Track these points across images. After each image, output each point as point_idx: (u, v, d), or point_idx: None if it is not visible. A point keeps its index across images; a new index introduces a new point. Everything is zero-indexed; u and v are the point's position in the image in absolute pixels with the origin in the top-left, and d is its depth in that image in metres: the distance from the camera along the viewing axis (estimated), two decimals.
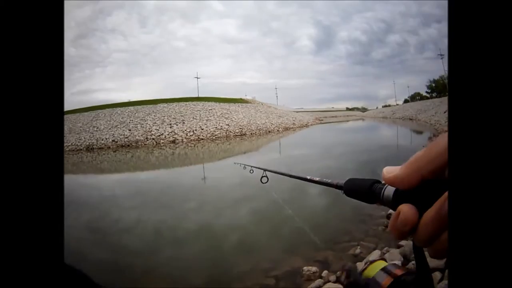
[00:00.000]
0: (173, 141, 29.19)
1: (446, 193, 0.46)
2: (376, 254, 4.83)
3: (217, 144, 27.49)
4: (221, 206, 8.94)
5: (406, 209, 0.51)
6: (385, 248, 5.05)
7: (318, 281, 4.35)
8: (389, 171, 0.55)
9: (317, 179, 0.86)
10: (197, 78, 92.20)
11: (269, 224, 7.14)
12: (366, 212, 7.14)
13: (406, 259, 4.54)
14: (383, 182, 0.59)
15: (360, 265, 4.44)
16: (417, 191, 0.52)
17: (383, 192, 0.58)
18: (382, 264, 0.74)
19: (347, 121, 70.06)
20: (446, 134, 0.50)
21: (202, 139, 30.85)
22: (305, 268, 4.68)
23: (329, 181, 0.80)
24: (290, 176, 1.04)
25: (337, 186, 0.76)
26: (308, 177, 0.88)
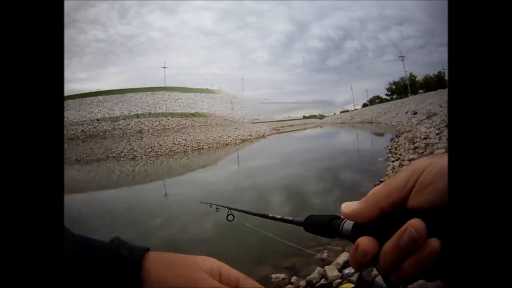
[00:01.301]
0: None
1: (406, 224, 0.49)
2: (344, 256, 4.92)
3: (176, 160, 27.29)
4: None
5: (365, 241, 0.54)
6: None
7: (289, 287, 4.46)
8: (348, 206, 0.60)
9: (279, 216, 0.90)
10: (165, 67, 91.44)
11: (234, 235, 7.19)
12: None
13: None
14: (342, 217, 0.62)
15: (328, 269, 4.61)
16: (376, 223, 0.56)
17: (342, 227, 0.60)
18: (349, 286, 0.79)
19: (305, 129, 70.43)
20: (406, 168, 0.58)
21: (159, 155, 30.71)
22: (273, 275, 4.77)
23: (290, 218, 0.83)
24: (254, 214, 1.06)
25: (297, 223, 0.77)
26: (270, 215, 0.93)
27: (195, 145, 35.48)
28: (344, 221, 0.61)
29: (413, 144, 14.74)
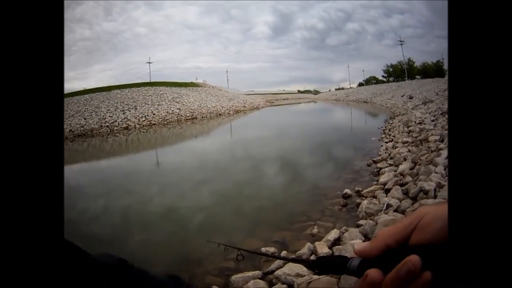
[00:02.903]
0: (126, 128, 28.82)
1: (405, 259, 0.59)
2: (334, 233, 4.93)
3: (169, 129, 27.30)
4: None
5: (373, 272, 0.64)
6: (344, 228, 5.20)
7: (278, 262, 4.36)
8: (359, 245, 0.70)
9: (292, 257, 0.87)
10: (149, 63, 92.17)
11: (227, 205, 7.36)
12: (321, 193, 7.42)
13: (368, 239, 4.65)
14: (350, 257, 0.70)
15: (319, 245, 4.63)
16: (382, 257, 0.65)
17: (349, 264, 0.69)
18: None
19: (299, 103, 69.99)
20: (411, 213, 0.68)
21: (154, 124, 30.58)
22: (263, 249, 4.78)
23: (301, 259, 0.86)
24: (262, 254, 0.92)
25: (309, 263, 0.83)
26: (282, 256, 0.85)
27: (188, 115, 35.65)
28: (351, 259, 0.69)
29: (408, 128, 14.82)
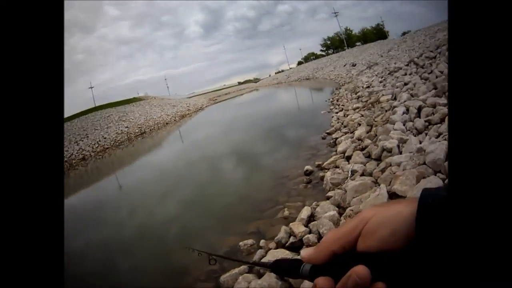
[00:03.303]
0: (83, 158, 28.24)
1: (350, 271, 0.60)
2: (306, 210, 4.97)
3: (122, 149, 27.08)
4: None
5: (321, 281, 0.65)
6: (314, 203, 5.24)
7: (260, 252, 4.46)
8: (305, 251, 0.72)
9: (252, 261, 0.99)
10: (91, 87, 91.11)
11: (195, 210, 7.38)
12: (283, 175, 7.48)
13: (341, 208, 4.79)
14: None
15: (294, 226, 4.66)
16: (330, 264, 0.67)
17: (302, 269, 0.71)
18: None
19: (241, 94, 70.34)
20: (355, 217, 0.69)
21: (107, 148, 30.17)
22: (241, 243, 4.80)
23: (259, 262, 0.95)
24: (231, 259, 1.24)
25: (266, 266, 0.85)
26: (244, 260, 1.00)
27: (137, 131, 35.43)
28: (303, 265, 0.72)
29: (356, 94, 15.06)
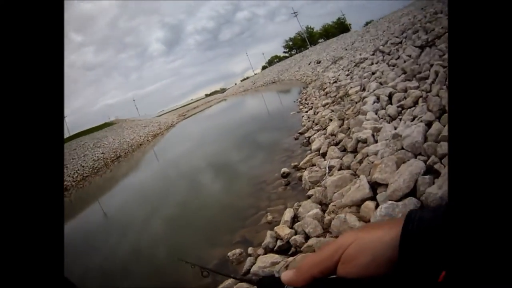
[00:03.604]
0: (66, 189, 27.89)
1: None
2: (288, 212, 4.99)
3: (101, 176, 26.88)
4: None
5: None
6: (296, 204, 5.26)
7: (250, 259, 4.48)
8: (286, 274, 0.74)
9: (238, 277, 0.99)
10: (64, 117, 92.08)
11: (180, 228, 7.39)
12: (260, 181, 7.53)
13: (324, 205, 4.80)
14: None
15: (279, 229, 4.68)
16: (312, 286, 0.68)
17: None
18: None
19: (210, 106, 70.75)
20: (335, 241, 0.69)
21: (86, 176, 29.95)
22: (229, 253, 4.81)
23: (246, 278, 0.97)
24: (220, 273, 1.09)
25: (253, 282, 0.85)
26: (232, 275, 1.03)
27: (113, 155, 35.42)
28: (286, 286, 0.73)
29: (324, 90, 15.18)
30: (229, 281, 4.17)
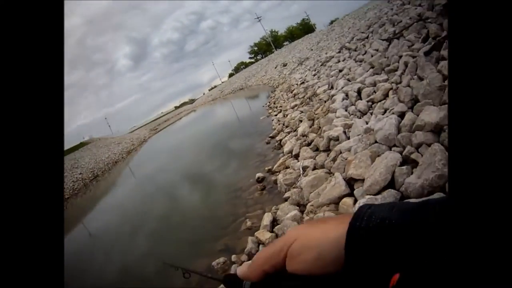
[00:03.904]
0: None
1: None
2: (267, 216, 5.02)
3: (81, 196, 26.73)
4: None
5: None
6: (274, 208, 5.31)
7: (234, 267, 4.49)
8: (240, 269, 0.76)
9: (210, 275, 0.98)
10: None
11: (163, 242, 7.42)
12: (236, 188, 7.57)
13: (302, 206, 4.82)
14: None
15: (260, 234, 4.72)
16: (265, 283, 0.70)
17: (244, 285, 0.75)
18: None
19: (180, 118, 70.96)
20: (281, 237, 0.68)
21: (67, 198, 29.75)
22: (214, 263, 4.81)
23: (209, 275, 0.95)
24: (198, 273, 1.06)
25: (219, 279, 0.86)
26: (204, 273, 1.03)
27: (90, 175, 35.23)
28: (244, 282, 0.74)
29: (292, 92, 15.31)
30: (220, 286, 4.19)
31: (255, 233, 4.83)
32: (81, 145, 62.14)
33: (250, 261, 0.74)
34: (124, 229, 10.30)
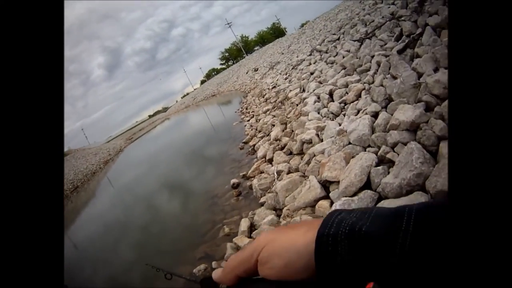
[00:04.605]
0: None
1: None
2: (244, 222, 5.03)
3: (64, 209, 26.48)
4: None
5: None
6: (250, 213, 5.34)
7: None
8: (215, 273, 0.76)
9: (188, 277, 0.97)
10: None
11: (144, 250, 7.45)
12: (212, 195, 7.57)
13: (278, 210, 4.85)
14: None
15: (238, 240, 4.74)
16: (241, 286, 0.70)
17: None
18: None
19: (154, 127, 71.12)
20: (252, 243, 0.69)
21: None
22: (195, 270, 4.81)
23: (188, 277, 0.94)
24: (177, 275, 1.04)
25: (196, 282, 0.86)
26: (183, 276, 0.99)
27: (70, 187, 34.55)
28: (220, 285, 0.75)
29: (263, 97, 15.37)
30: None
31: (233, 239, 4.83)
32: None
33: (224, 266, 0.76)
34: (107, 241, 10.24)
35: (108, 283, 6.96)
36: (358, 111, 5.09)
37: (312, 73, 10.14)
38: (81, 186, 32.67)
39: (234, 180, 7.20)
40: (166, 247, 6.77)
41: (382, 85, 4.89)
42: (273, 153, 6.77)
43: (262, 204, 5.33)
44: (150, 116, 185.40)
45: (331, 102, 6.42)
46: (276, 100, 11.71)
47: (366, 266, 0.49)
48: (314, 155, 4.98)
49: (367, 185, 3.45)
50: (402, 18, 6.91)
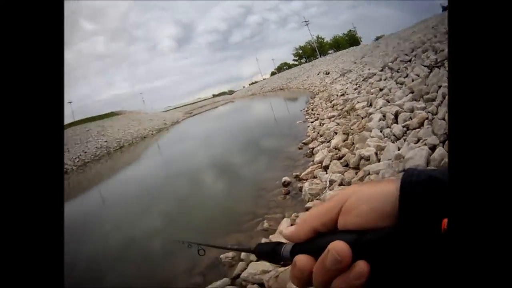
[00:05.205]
0: (66, 172, 28.02)
1: (328, 246, 0.57)
2: (285, 222, 4.98)
3: (102, 164, 27.21)
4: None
5: (301, 258, 0.62)
6: (293, 215, 5.24)
7: (241, 264, 4.49)
8: (287, 229, 0.68)
9: (235, 246, 0.94)
10: (70, 102, 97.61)
11: (177, 224, 7.46)
12: (261, 187, 7.51)
13: None
14: (285, 242, 0.69)
15: (274, 238, 4.64)
16: (311, 242, 0.64)
17: (282, 251, 0.67)
18: None
19: (216, 107, 70.87)
20: (335, 194, 0.66)
21: (87, 162, 30.05)
22: (222, 256, 4.81)
23: (242, 247, 0.91)
24: (214, 246, 1.03)
25: (249, 250, 0.80)
26: (229, 246, 0.94)
27: (116, 145, 35.84)
28: (284, 246, 0.68)
29: (331, 102, 15.09)
30: (219, 282, 4.24)
31: (270, 236, 4.84)
32: (112, 114, 62.02)
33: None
34: (139, 203, 10.38)
35: (123, 243, 7.14)
36: (418, 140, 5.00)
37: (381, 89, 10.00)
38: (127, 147, 33.65)
39: (286, 178, 7.12)
40: (197, 224, 6.83)
41: (444, 119, 4.82)
42: (330, 161, 6.70)
43: (307, 209, 5.21)
44: (214, 95, 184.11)
45: (395, 124, 6.33)
46: (343, 109, 11.54)
47: (442, 206, 0.51)
48: (369, 174, 4.94)
49: None
50: None
